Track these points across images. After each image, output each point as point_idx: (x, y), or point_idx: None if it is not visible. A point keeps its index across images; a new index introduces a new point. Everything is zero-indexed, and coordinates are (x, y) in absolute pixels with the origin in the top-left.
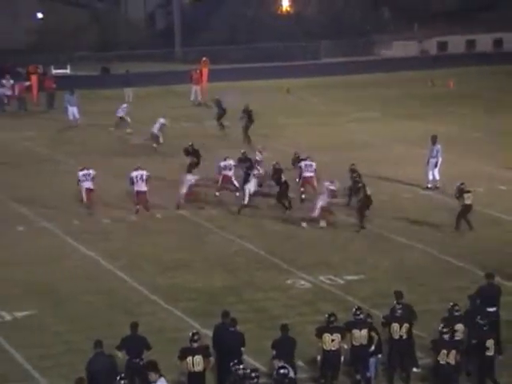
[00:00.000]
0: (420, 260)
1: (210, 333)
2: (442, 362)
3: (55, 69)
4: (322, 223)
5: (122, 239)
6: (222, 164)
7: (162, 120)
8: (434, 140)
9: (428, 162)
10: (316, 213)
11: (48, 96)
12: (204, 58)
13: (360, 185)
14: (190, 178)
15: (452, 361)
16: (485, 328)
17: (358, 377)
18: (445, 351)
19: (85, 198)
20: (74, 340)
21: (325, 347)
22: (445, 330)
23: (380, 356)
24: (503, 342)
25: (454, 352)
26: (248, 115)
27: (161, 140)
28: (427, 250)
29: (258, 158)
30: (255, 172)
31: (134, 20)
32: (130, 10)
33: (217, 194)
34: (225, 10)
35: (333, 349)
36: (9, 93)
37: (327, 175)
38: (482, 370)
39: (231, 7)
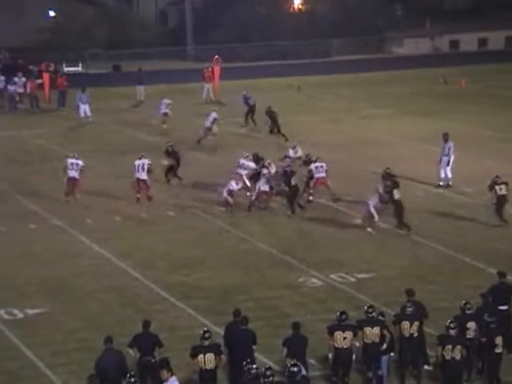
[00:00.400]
0: (433, 258)
1: (221, 331)
2: (447, 358)
3: (67, 66)
4: (370, 228)
5: (134, 237)
6: (240, 162)
7: (214, 114)
8: (446, 138)
9: (440, 160)
10: (375, 216)
11: (60, 94)
12: (216, 56)
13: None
14: (233, 184)
15: (457, 356)
16: (492, 325)
17: (370, 375)
18: (450, 346)
19: (65, 185)
20: (86, 337)
21: (336, 345)
22: (452, 325)
23: (392, 354)
24: None
25: (459, 347)
26: (270, 117)
27: (215, 130)
28: (440, 248)
29: (290, 154)
30: (265, 171)
31: (145, 18)
32: (142, 7)
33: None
34: (237, 8)
35: (344, 347)
36: (21, 90)
37: (339, 173)
38: (491, 368)
39: (243, 5)
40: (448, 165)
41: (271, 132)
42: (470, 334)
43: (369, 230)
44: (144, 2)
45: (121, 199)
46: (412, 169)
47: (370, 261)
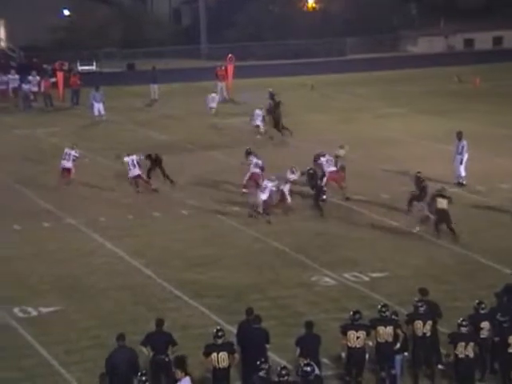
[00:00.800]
0: (447, 258)
1: (234, 329)
2: (460, 356)
3: (81, 65)
4: (418, 227)
5: (148, 235)
6: (254, 161)
7: (258, 111)
8: (460, 136)
9: (454, 158)
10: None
11: (73, 92)
12: (230, 55)
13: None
14: (271, 185)
15: (471, 354)
16: (505, 325)
17: (383, 374)
18: (463, 344)
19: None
20: (99, 335)
21: (350, 344)
22: (463, 322)
23: (406, 354)
24: None
25: (472, 345)
26: (274, 109)
27: (262, 129)
28: (455, 248)
29: (340, 153)
30: (291, 176)
31: (159, 16)
32: (156, 6)
33: (244, 190)
34: (251, 6)
35: (358, 346)
36: (35, 89)
37: (353, 172)
38: (504, 367)
39: (257, 4)
40: (461, 163)
41: (270, 112)
42: (484, 334)
43: (417, 229)
44: (158, 0)
45: (134, 198)
46: (426, 168)
47: (384, 260)
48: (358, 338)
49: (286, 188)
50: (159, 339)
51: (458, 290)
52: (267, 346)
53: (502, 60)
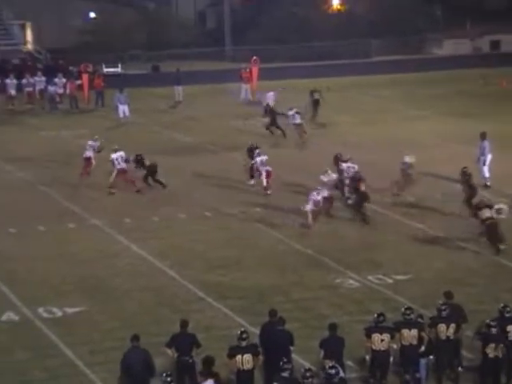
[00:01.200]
0: (471, 261)
1: (258, 331)
2: (490, 356)
3: (106, 67)
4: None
5: (172, 237)
6: (259, 160)
7: (291, 112)
8: (483, 137)
9: (478, 159)
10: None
11: (97, 94)
12: (254, 57)
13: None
14: (315, 194)
15: (500, 354)
16: None
17: (408, 377)
18: (493, 345)
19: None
20: (123, 336)
21: (374, 347)
22: (493, 323)
23: (431, 357)
24: None
25: (501, 346)
26: (271, 114)
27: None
28: (479, 251)
29: (408, 160)
30: (325, 179)
31: (184, 19)
32: (181, 8)
33: (268, 192)
34: (275, 8)
35: (382, 349)
36: (61, 91)
37: (376, 175)
38: None
39: (282, 6)
40: (484, 164)
41: (267, 129)
42: (510, 337)
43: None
44: (183, 3)
45: (160, 199)
46: (450, 171)
47: (408, 262)
48: (382, 340)
49: (325, 194)
50: (183, 340)
51: (482, 293)
52: (291, 348)
53: None
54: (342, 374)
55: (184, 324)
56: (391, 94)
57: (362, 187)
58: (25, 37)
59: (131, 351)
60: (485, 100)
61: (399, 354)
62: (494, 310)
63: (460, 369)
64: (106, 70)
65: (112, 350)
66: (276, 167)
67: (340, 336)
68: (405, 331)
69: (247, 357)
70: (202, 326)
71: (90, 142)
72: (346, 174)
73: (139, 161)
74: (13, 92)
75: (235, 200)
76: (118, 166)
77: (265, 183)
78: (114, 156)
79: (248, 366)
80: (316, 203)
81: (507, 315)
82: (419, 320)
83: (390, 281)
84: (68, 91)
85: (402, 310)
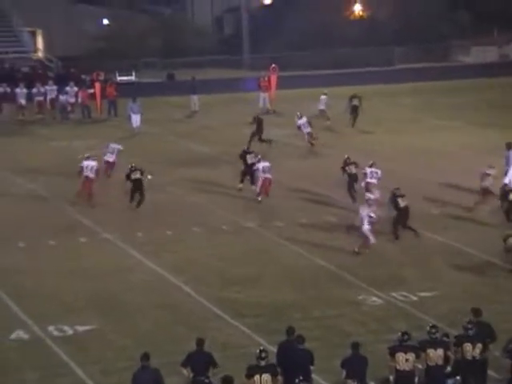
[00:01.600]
0: (500, 277)
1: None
2: None
3: (120, 75)
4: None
5: (187, 251)
6: (261, 166)
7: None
8: (509, 146)
9: (507, 170)
10: None
11: (110, 103)
12: (273, 65)
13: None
14: (365, 213)
15: None
16: None
17: None
18: None
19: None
20: (137, 356)
21: (398, 367)
22: None
23: (458, 378)
24: None
25: None
26: (258, 124)
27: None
28: (507, 266)
29: (491, 172)
30: (369, 197)
31: (200, 25)
32: (197, 15)
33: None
34: (295, 14)
35: (407, 369)
36: (72, 100)
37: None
38: None
39: (301, 12)
40: (506, 174)
41: (260, 139)
42: None
43: None
44: (199, 9)
45: (173, 212)
46: (472, 182)
47: (434, 279)
48: (406, 360)
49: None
50: (199, 359)
51: (510, 310)
52: (312, 367)
53: None
54: None
55: (200, 342)
56: (414, 103)
57: (402, 204)
58: (35, 44)
59: (141, 371)
60: (510, 109)
61: (424, 375)
62: None
63: None
64: (119, 78)
65: (125, 370)
66: (296, 179)
67: (363, 355)
68: (430, 351)
69: (266, 377)
70: (218, 345)
71: (113, 145)
72: (367, 179)
73: (128, 174)
74: (23, 101)
75: (253, 212)
76: (86, 174)
77: (258, 190)
78: (84, 163)
79: None
80: (371, 221)
81: None
82: (445, 339)
83: (415, 298)
84: (80, 100)
85: (428, 328)
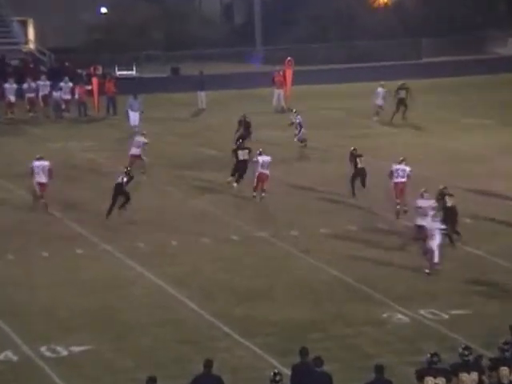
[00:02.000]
0: None
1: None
2: None
3: (119, 70)
4: None
5: (192, 264)
6: (261, 160)
7: (380, 89)
8: None
9: None
10: None
11: (108, 100)
12: (288, 58)
13: None
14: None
15: None
16: None
17: None
18: None
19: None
20: (138, 378)
21: None
22: None
23: None
24: None
25: None
26: (245, 127)
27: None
28: None
29: None
30: (419, 203)
31: (208, 14)
32: (205, 2)
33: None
34: (312, 2)
35: None
36: (67, 97)
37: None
38: None
39: (319, 0)
40: None
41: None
42: None
43: None
44: None
45: (178, 220)
46: (509, 188)
47: (466, 294)
48: None
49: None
50: (207, 383)
51: None
52: None
53: None
54: None
55: (208, 364)
56: (444, 100)
57: (450, 202)
58: (26, 35)
59: None
60: None
61: None
62: None
63: None
64: (118, 72)
65: None
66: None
67: (387, 379)
68: (463, 375)
69: None
70: (228, 367)
71: (138, 139)
72: (394, 179)
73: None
74: (12, 98)
75: (265, 221)
76: (37, 179)
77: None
78: (35, 164)
79: None
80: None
81: None
82: (479, 361)
83: (446, 316)
84: (77, 97)
85: (460, 349)
